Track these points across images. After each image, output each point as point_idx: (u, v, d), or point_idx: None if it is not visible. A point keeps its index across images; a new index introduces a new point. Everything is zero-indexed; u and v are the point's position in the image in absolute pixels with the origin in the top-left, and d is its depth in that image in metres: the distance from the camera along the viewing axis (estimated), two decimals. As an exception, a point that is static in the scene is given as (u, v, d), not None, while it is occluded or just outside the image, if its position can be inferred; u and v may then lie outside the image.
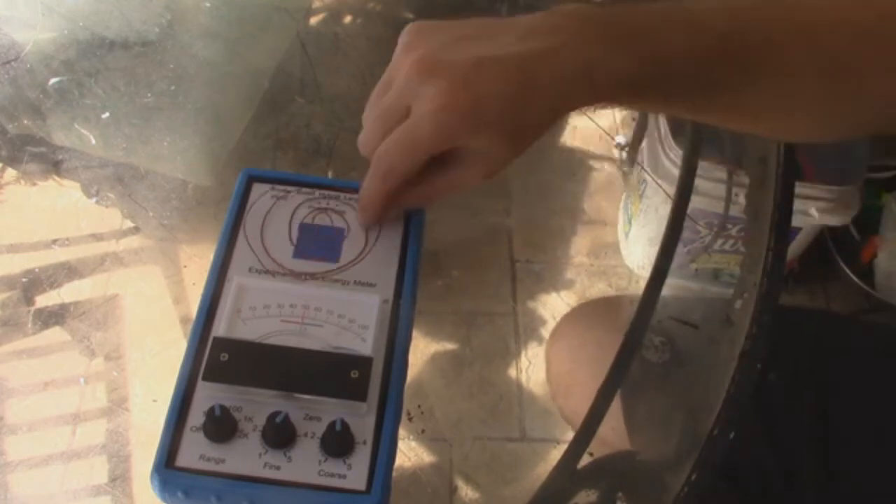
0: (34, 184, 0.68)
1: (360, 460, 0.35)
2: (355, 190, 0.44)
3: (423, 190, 0.40)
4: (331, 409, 0.36)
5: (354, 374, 0.36)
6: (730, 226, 0.89)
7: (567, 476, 0.44)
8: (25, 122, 0.67)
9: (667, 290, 0.50)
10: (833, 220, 0.96)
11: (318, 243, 0.42)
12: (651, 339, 0.51)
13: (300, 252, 0.41)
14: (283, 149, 0.74)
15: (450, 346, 0.80)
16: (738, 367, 0.43)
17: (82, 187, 0.66)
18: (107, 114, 0.68)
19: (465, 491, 0.72)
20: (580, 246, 0.95)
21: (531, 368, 0.80)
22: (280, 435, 0.35)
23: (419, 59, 0.37)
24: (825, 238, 1.20)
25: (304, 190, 0.44)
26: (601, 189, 1.00)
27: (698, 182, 0.55)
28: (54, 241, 0.64)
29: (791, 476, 0.56)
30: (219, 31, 0.75)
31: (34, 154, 0.67)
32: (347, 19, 0.93)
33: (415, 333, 0.40)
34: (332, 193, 0.44)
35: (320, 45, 0.84)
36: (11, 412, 0.59)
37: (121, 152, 0.67)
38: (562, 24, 0.37)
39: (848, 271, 1.18)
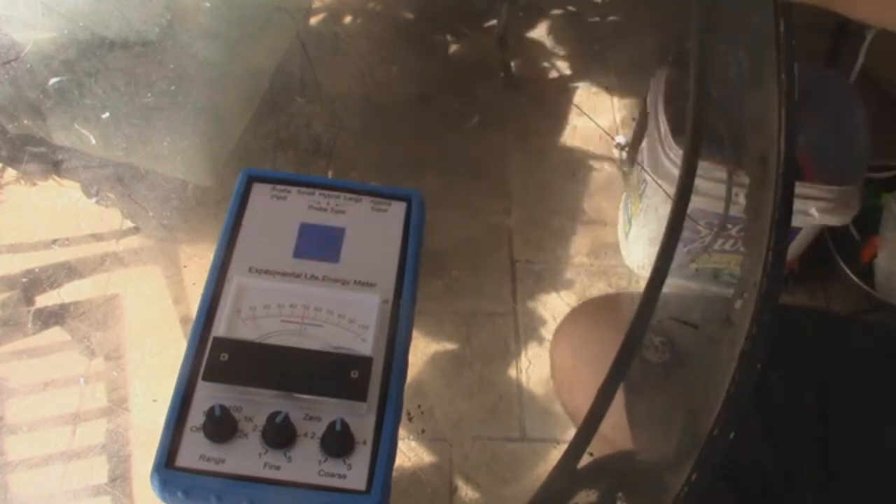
0: (34, 184, 0.68)
1: (360, 460, 0.35)
2: (355, 190, 0.44)
3: None
4: (331, 409, 0.36)
5: (354, 374, 0.36)
6: (730, 226, 0.89)
7: (567, 476, 0.44)
8: (25, 122, 0.67)
9: (667, 290, 0.50)
10: (833, 220, 0.96)
11: (318, 243, 0.42)
12: (651, 339, 0.51)
13: (300, 252, 0.41)
14: (283, 149, 0.74)
15: (450, 346, 0.80)
16: (738, 367, 0.43)
17: (82, 187, 0.66)
18: (107, 114, 0.68)
19: (465, 491, 0.72)
20: (580, 246, 0.95)
21: (531, 368, 0.80)
22: (280, 435, 0.35)
23: None
24: (825, 238, 1.20)
25: (304, 190, 0.44)
26: (601, 189, 1.00)
27: (698, 182, 0.55)
28: (54, 241, 0.64)
29: (791, 476, 0.56)
30: (219, 31, 0.75)
31: (34, 154, 0.67)
32: (347, 19, 0.93)
33: (415, 333, 0.40)
34: (332, 193, 0.44)
35: (320, 45, 0.84)
36: (11, 412, 0.59)
37: (121, 152, 0.67)
38: None
39: (848, 271, 1.18)
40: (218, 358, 0.36)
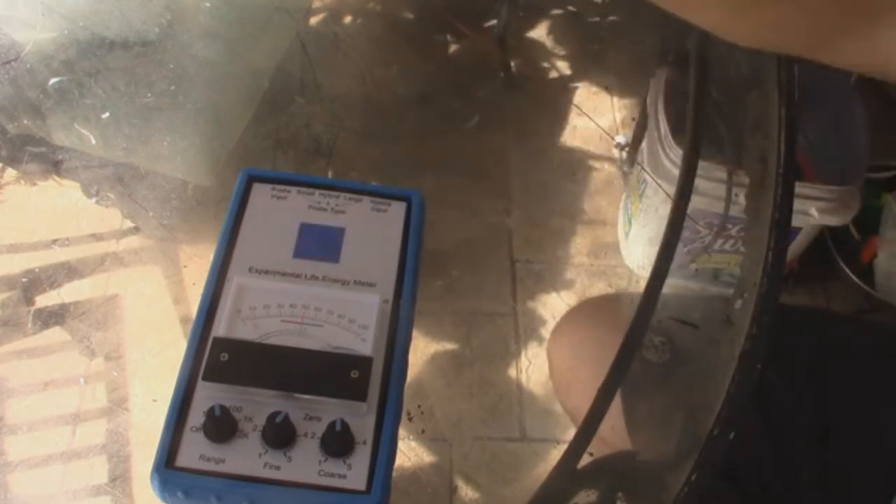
0: (34, 184, 0.68)
1: (360, 460, 0.35)
2: (355, 190, 0.44)
3: None
4: (331, 409, 0.36)
5: (354, 374, 0.36)
6: (730, 226, 0.89)
7: (567, 476, 0.44)
8: (25, 122, 0.67)
9: (667, 290, 0.50)
10: (833, 220, 0.96)
11: (318, 243, 0.42)
12: (651, 339, 0.51)
13: (300, 252, 0.41)
14: (283, 149, 0.74)
15: (450, 346, 0.80)
16: (738, 367, 0.43)
17: (82, 187, 0.66)
18: (107, 114, 0.67)
19: (465, 491, 0.72)
20: (580, 246, 0.95)
21: (531, 368, 0.80)
22: (280, 435, 0.35)
23: None
24: (825, 238, 1.20)
25: (304, 190, 0.44)
26: (601, 189, 1.00)
27: (698, 182, 0.55)
28: (54, 241, 0.64)
29: (791, 476, 0.56)
30: (219, 31, 0.75)
31: (34, 154, 0.67)
32: (347, 19, 0.93)
33: (415, 333, 0.40)
34: (332, 193, 0.44)
35: (320, 45, 0.84)
36: (11, 412, 0.59)
37: (121, 152, 0.67)
38: None
39: (848, 271, 1.18)
40: (218, 358, 0.36)
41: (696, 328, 0.52)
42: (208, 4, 0.76)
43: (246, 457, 0.34)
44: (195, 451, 0.34)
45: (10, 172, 0.69)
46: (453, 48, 0.98)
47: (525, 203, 0.94)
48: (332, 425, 0.34)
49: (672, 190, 0.55)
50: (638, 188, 0.98)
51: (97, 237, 0.66)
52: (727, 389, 0.43)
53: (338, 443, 0.35)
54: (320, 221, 0.42)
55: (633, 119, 1.06)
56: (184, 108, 0.69)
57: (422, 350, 0.78)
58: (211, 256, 0.41)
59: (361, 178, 0.72)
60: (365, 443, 0.35)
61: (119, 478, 0.56)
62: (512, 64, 1.02)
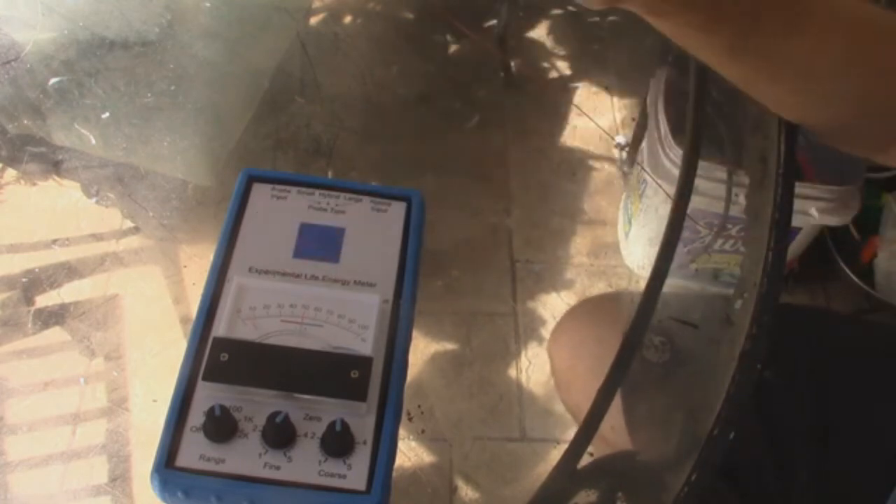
0: (34, 184, 0.68)
1: (360, 460, 0.35)
2: (355, 190, 0.44)
3: None
4: (331, 409, 0.36)
5: (354, 374, 0.36)
6: (730, 226, 0.89)
7: (567, 476, 0.44)
8: (25, 122, 0.67)
9: (667, 290, 0.50)
10: (833, 220, 0.96)
11: (318, 243, 0.42)
12: (651, 339, 0.51)
13: (300, 252, 0.41)
14: (283, 149, 0.74)
15: (450, 346, 0.80)
16: (738, 367, 0.43)
17: (82, 187, 0.66)
18: (107, 114, 0.67)
19: (465, 491, 0.72)
20: (580, 246, 0.95)
21: (531, 368, 0.80)
22: (280, 435, 0.35)
23: None
24: (825, 238, 1.20)
25: (304, 190, 0.44)
26: (601, 189, 1.00)
27: (698, 182, 0.55)
28: (54, 241, 0.64)
29: (790, 476, 0.56)
30: (219, 31, 0.75)
31: (34, 154, 0.67)
32: (347, 19, 0.93)
33: (415, 333, 0.40)
34: (332, 193, 0.44)
35: (320, 45, 0.84)
36: (11, 412, 0.59)
37: (121, 152, 0.67)
38: None
39: (848, 271, 1.18)
40: (218, 358, 0.36)
41: (696, 328, 0.52)
42: (208, 4, 0.76)
43: (246, 457, 0.34)
44: (195, 451, 0.34)
45: (10, 172, 0.69)
46: (453, 48, 0.98)
47: (525, 203, 0.94)
48: (332, 425, 0.34)
49: (672, 190, 0.55)
50: (638, 188, 0.98)
51: (97, 237, 0.66)
52: (727, 389, 0.43)
53: (338, 443, 0.35)
54: (320, 221, 0.42)
55: (633, 119, 1.06)
56: (184, 108, 0.69)
57: (422, 350, 0.78)
58: (211, 256, 0.41)
59: (361, 178, 0.72)
60: (365, 443, 0.35)
61: (119, 478, 0.56)
62: (512, 64, 1.02)
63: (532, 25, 1.07)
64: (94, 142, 0.67)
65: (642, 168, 0.96)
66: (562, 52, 1.05)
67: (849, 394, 0.58)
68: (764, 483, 0.56)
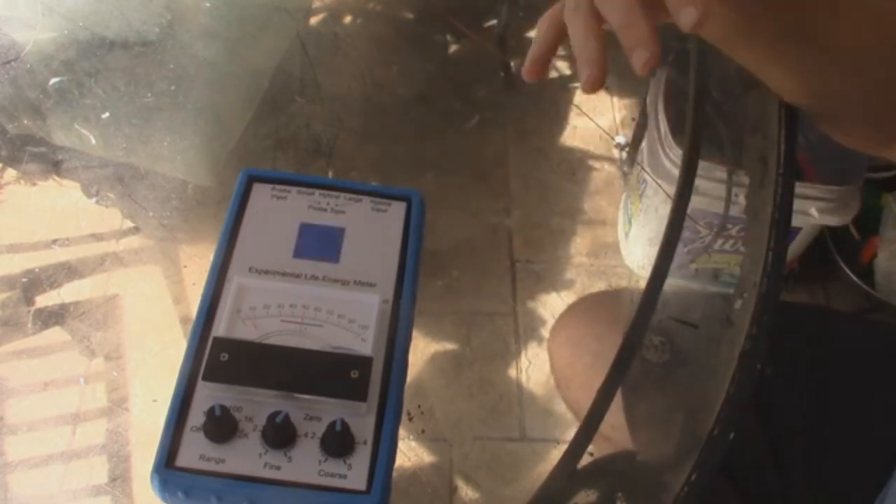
0: (34, 184, 0.68)
1: (361, 460, 0.35)
2: (355, 190, 0.44)
3: None
4: (331, 409, 0.36)
5: (354, 374, 0.36)
6: (730, 226, 0.89)
7: (567, 476, 0.44)
8: (25, 122, 0.67)
9: (667, 290, 0.50)
10: (833, 220, 0.96)
11: (318, 243, 0.42)
12: (651, 339, 0.51)
13: (300, 252, 0.41)
14: (283, 149, 0.74)
15: (450, 346, 0.80)
16: (738, 367, 0.43)
17: (82, 187, 0.66)
18: (107, 114, 0.68)
19: (465, 491, 0.72)
20: (580, 246, 0.95)
21: (531, 368, 0.80)
22: (280, 435, 0.35)
23: None
24: (825, 238, 1.20)
25: (304, 190, 0.44)
26: (601, 189, 1.00)
27: (698, 182, 0.55)
28: (54, 241, 0.64)
29: (790, 475, 0.56)
30: (219, 31, 0.75)
31: (34, 154, 0.67)
32: (347, 19, 0.93)
33: (415, 333, 0.40)
34: (332, 193, 0.44)
35: (320, 45, 0.84)
36: (11, 412, 0.59)
37: (121, 152, 0.67)
38: None
39: (848, 271, 1.18)
40: (218, 358, 0.36)
41: (696, 328, 0.52)
42: (208, 4, 0.76)
43: (246, 457, 0.34)
44: (195, 451, 0.34)
45: (10, 172, 0.69)
46: (453, 48, 0.98)
47: (525, 203, 0.94)
48: (332, 425, 0.34)
49: (672, 190, 0.55)
50: (638, 188, 0.98)
51: (97, 237, 0.66)
52: (727, 389, 0.43)
53: (338, 443, 0.35)
54: (320, 221, 0.42)
55: (633, 119, 1.06)
56: (184, 108, 0.69)
57: (422, 350, 0.78)
58: (211, 256, 0.41)
59: (361, 178, 0.72)
60: (365, 443, 0.35)
61: (119, 478, 0.56)
62: (512, 64, 1.02)
63: (532, 25, 1.07)
64: (94, 142, 0.67)
65: (642, 168, 0.96)
66: (562, 52, 1.05)
67: (848, 393, 0.58)
68: (764, 483, 0.56)
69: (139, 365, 0.61)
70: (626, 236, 0.99)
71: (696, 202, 0.55)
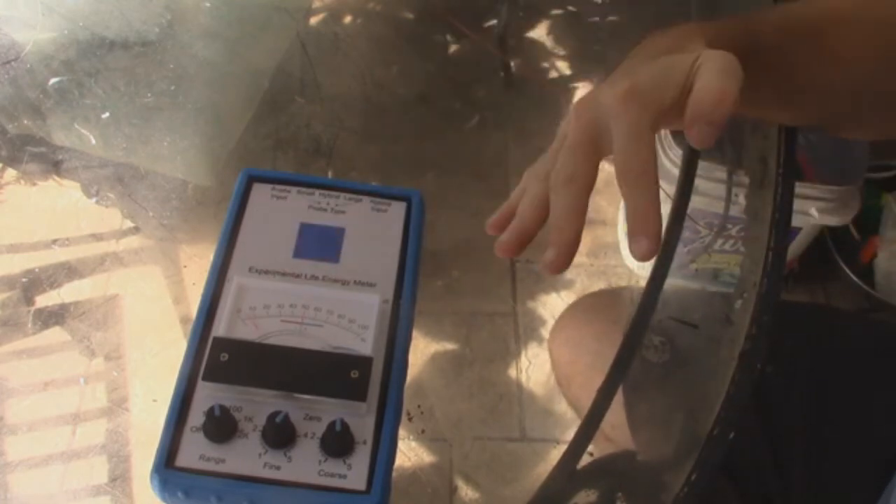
0: (34, 184, 0.68)
1: (360, 460, 0.35)
2: (355, 190, 0.44)
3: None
4: (331, 409, 0.36)
5: (354, 374, 0.36)
6: (730, 226, 0.89)
7: (567, 476, 0.44)
8: (25, 122, 0.67)
9: (667, 290, 0.50)
10: (833, 220, 0.96)
11: (318, 243, 0.42)
12: (651, 339, 0.51)
13: (300, 252, 0.41)
14: (283, 149, 0.74)
15: (450, 346, 0.80)
16: (738, 367, 0.43)
17: (82, 187, 0.66)
18: (107, 114, 0.68)
19: (465, 491, 0.72)
20: (580, 246, 0.94)
21: (531, 368, 0.80)
22: (280, 435, 0.35)
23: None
24: (825, 238, 1.20)
25: (304, 190, 0.44)
26: (601, 189, 1.00)
27: (698, 182, 0.55)
28: (54, 241, 0.64)
29: (790, 475, 0.56)
30: (219, 31, 0.75)
31: (34, 154, 0.67)
32: (347, 19, 0.93)
33: (415, 333, 0.40)
34: (332, 193, 0.44)
35: (320, 45, 0.84)
36: (11, 412, 0.59)
37: (121, 152, 0.67)
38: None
39: (848, 271, 1.18)
40: (218, 358, 0.36)
41: (696, 328, 0.52)
42: (208, 4, 0.76)
43: (246, 457, 0.34)
44: (195, 451, 0.34)
45: (10, 172, 0.69)
46: (453, 48, 0.98)
47: (525, 203, 0.93)
48: (332, 425, 0.34)
49: (672, 190, 0.55)
50: (638, 188, 0.98)
51: (97, 237, 0.66)
52: (727, 389, 0.43)
53: (338, 443, 0.35)
54: (320, 221, 0.42)
55: (633, 119, 1.06)
56: (184, 108, 0.69)
57: (422, 350, 0.78)
58: (211, 256, 0.41)
59: (361, 178, 0.72)
60: (365, 443, 0.35)
61: (119, 478, 0.56)
62: (512, 64, 1.02)
63: (532, 25, 1.07)
64: (94, 142, 0.67)
65: (642, 168, 0.96)
66: (562, 52, 1.05)
67: (849, 393, 0.58)
68: (764, 483, 0.56)
69: (139, 365, 0.61)
70: (626, 236, 0.99)
71: (696, 202, 0.55)
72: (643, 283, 0.50)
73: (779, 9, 0.45)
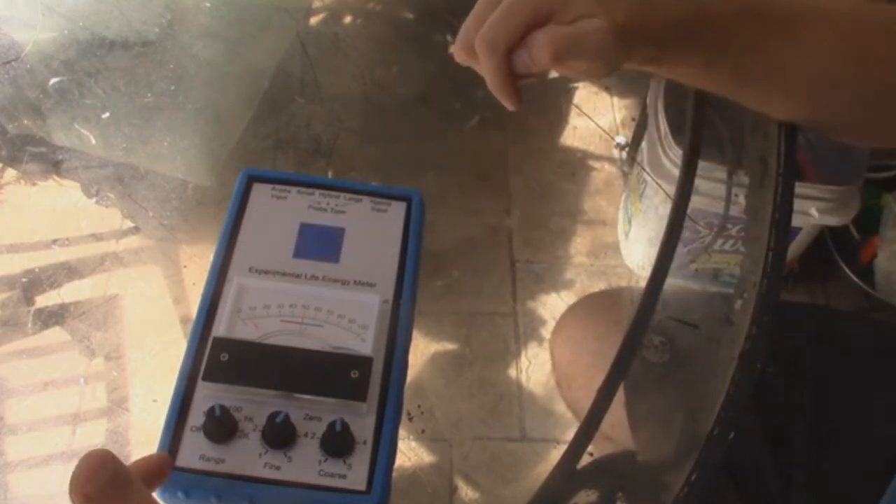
0: (34, 184, 0.68)
1: (360, 460, 0.35)
2: (355, 190, 0.44)
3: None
4: (331, 409, 0.36)
5: (354, 374, 0.36)
6: (730, 226, 0.89)
7: (567, 476, 0.44)
8: (25, 122, 0.67)
9: (667, 290, 0.50)
10: (833, 220, 0.96)
11: (318, 243, 0.42)
12: (651, 339, 0.51)
13: (300, 252, 0.41)
14: (283, 149, 0.74)
15: (450, 346, 0.80)
16: (738, 367, 0.43)
17: (82, 187, 0.66)
18: (107, 114, 0.68)
19: (465, 491, 0.72)
20: (580, 246, 0.95)
21: (531, 368, 0.80)
22: (280, 435, 0.35)
23: None
24: (825, 238, 1.20)
25: (304, 190, 0.44)
26: (601, 189, 1.00)
27: (698, 182, 0.55)
28: (54, 241, 0.64)
29: (790, 475, 0.56)
30: (219, 31, 0.75)
31: (34, 154, 0.67)
32: (347, 19, 0.93)
33: (415, 333, 0.40)
34: (332, 193, 0.44)
35: (320, 45, 0.84)
36: (11, 412, 0.59)
37: (121, 152, 0.67)
38: None
39: (848, 271, 1.18)
40: (218, 358, 0.36)
41: (696, 328, 0.52)
42: (208, 4, 0.76)
43: (246, 457, 0.34)
44: (195, 451, 0.34)
45: (10, 172, 0.69)
46: (453, 48, 0.98)
47: (525, 203, 0.94)
48: (332, 425, 0.34)
49: (672, 190, 0.55)
50: (638, 188, 0.98)
51: (97, 237, 0.66)
52: (727, 389, 0.43)
53: (338, 443, 0.35)
54: (320, 221, 0.42)
55: (633, 119, 1.06)
56: (184, 108, 0.69)
57: (422, 350, 0.78)
58: (211, 256, 0.41)
59: (361, 178, 0.72)
60: (365, 443, 0.35)
61: (119, 478, 0.56)
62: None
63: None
64: (94, 142, 0.67)
65: (642, 168, 0.96)
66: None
67: (849, 392, 0.58)
68: (764, 483, 0.56)
69: (139, 365, 0.61)
70: (626, 236, 0.99)
71: (696, 202, 0.55)
72: (643, 283, 0.50)
73: None
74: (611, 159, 1.04)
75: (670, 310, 0.52)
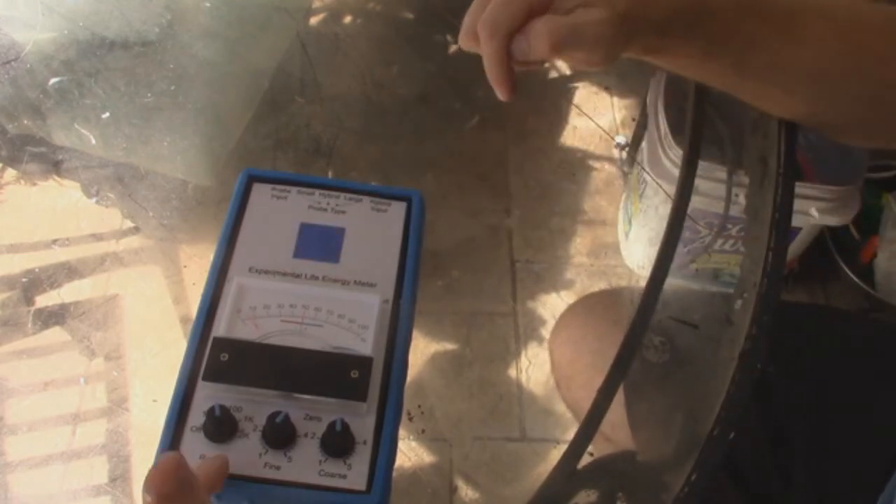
0: (34, 184, 0.68)
1: (361, 460, 0.35)
2: (355, 190, 0.44)
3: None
4: (331, 409, 0.36)
5: (354, 374, 0.36)
6: (730, 226, 0.89)
7: (567, 476, 0.44)
8: (25, 122, 0.67)
9: (667, 290, 0.50)
10: (833, 220, 0.96)
11: (318, 243, 0.42)
12: (651, 339, 0.51)
13: (300, 252, 0.41)
14: (283, 149, 0.74)
15: (450, 346, 0.80)
16: (738, 367, 0.43)
17: (82, 187, 0.66)
18: (107, 114, 0.68)
19: (465, 491, 0.72)
20: (580, 246, 0.95)
21: (531, 368, 0.80)
22: (280, 435, 0.35)
23: None
24: (825, 238, 1.20)
25: (304, 190, 0.44)
26: (601, 189, 1.00)
27: (698, 182, 0.55)
28: (54, 241, 0.64)
29: (790, 475, 0.56)
30: (219, 31, 0.75)
31: (34, 154, 0.67)
32: (347, 19, 0.93)
33: (415, 333, 0.40)
34: (332, 193, 0.44)
35: (320, 45, 0.84)
36: (11, 412, 0.59)
37: (121, 152, 0.67)
38: None
39: (848, 271, 1.18)
40: (218, 358, 0.36)
41: (696, 328, 0.52)
42: (208, 4, 0.76)
43: (246, 457, 0.34)
44: (195, 451, 0.34)
45: (10, 172, 0.69)
46: (453, 48, 0.98)
47: (525, 203, 0.94)
48: (332, 425, 0.34)
49: (672, 190, 0.55)
50: (638, 188, 0.98)
51: (97, 237, 0.66)
52: (727, 389, 0.43)
53: (338, 443, 0.35)
54: (320, 221, 0.42)
55: (633, 119, 1.06)
56: (184, 108, 0.69)
57: (422, 350, 0.78)
58: (211, 256, 0.41)
59: (361, 178, 0.72)
60: (365, 443, 0.35)
61: (119, 478, 0.56)
62: (512, 64, 1.02)
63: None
64: (94, 142, 0.67)
65: (642, 168, 0.96)
66: (562, 53, 1.05)
67: (849, 392, 0.58)
68: (764, 483, 0.56)
69: (139, 365, 0.61)
70: (626, 236, 0.99)
71: (696, 202, 0.55)
72: (643, 283, 0.50)
73: None
74: (611, 159, 1.04)
75: (670, 310, 0.52)
